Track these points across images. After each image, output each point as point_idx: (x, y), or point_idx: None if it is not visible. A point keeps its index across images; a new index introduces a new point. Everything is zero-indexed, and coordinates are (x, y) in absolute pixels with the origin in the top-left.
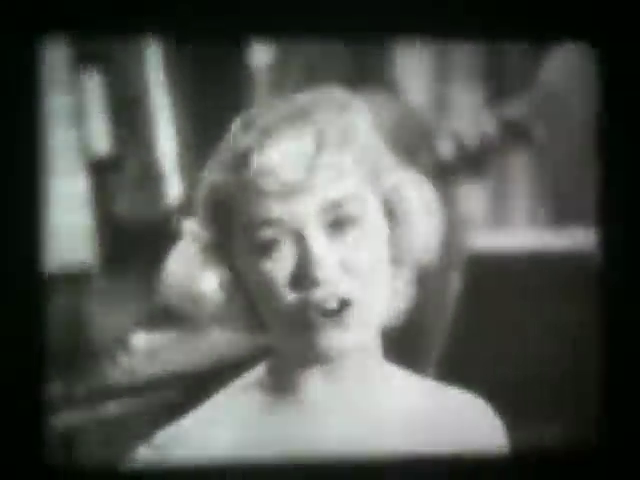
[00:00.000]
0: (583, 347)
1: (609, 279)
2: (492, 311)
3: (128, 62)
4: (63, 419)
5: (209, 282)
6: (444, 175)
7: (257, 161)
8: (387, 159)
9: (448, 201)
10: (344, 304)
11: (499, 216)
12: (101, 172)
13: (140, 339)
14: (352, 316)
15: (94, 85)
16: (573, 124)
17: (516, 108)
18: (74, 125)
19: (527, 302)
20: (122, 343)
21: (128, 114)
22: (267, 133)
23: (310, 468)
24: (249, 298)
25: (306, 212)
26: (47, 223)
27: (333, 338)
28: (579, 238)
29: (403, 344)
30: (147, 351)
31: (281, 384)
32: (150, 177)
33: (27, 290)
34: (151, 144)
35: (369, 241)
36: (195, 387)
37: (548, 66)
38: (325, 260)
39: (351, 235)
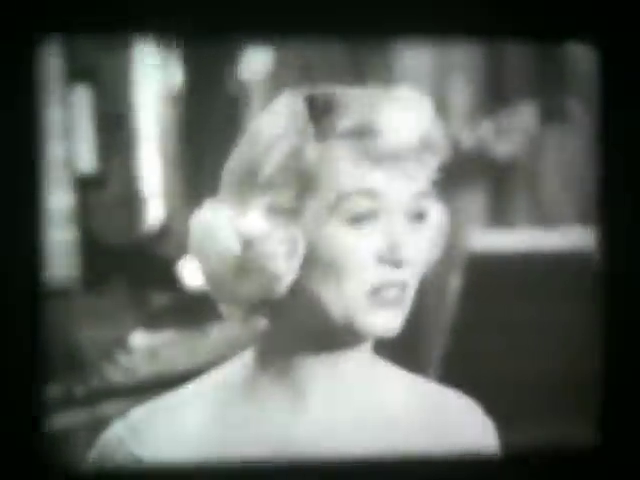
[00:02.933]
0: (583, 347)
1: (609, 279)
2: (492, 311)
3: (116, 79)
4: (63, 419)
5: (278, 242)
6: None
7: (381, 124)
8: None
9: (448, 201)
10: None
11: (499, 216)
12: (85, 189)
13: (140, 339)
14: (407, 302)
15: (82, 102)
16: None
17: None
18: (60, 141)
19: (527, 302)
20: (122, 343)
21: (114, 132)
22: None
23: (292, 464)
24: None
25: (405, 193)
26: (45, 234)
27: (391, 319)
28: (579, 238)
29: (403, 344)
30: (147, 351)
31: (274, 369)
32: (132, 197)
33: (26, 294)
34: (135, 163)
35: (428, 238)
36: None
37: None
38: (410, 243)
39: (421, 228)
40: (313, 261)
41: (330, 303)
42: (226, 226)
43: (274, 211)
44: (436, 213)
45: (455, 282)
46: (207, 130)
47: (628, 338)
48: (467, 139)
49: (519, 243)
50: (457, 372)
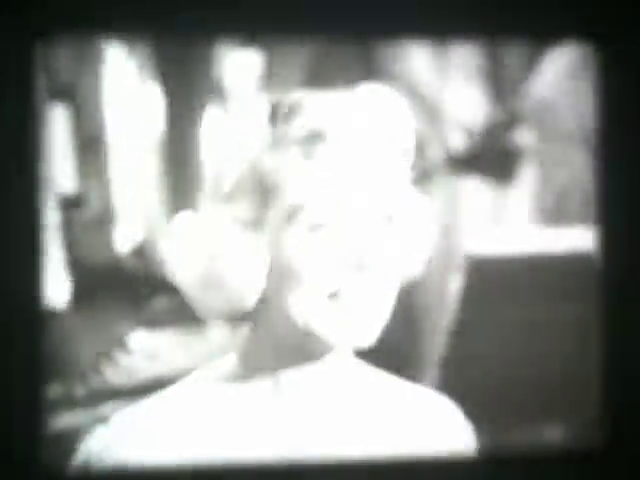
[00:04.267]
0: (583, 347)
1: (609, 279)
2: (492, 311)
3: (93, 98)
4: (63, 419)
5: (250, 256)
6: (455, 169)
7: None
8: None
9: (449, 201)
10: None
11: (499, 216)
12: (66, 209)
13: (140, 339)
14: (380, 309)
15: (60, 121)
16: (564, 128)
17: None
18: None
19: (527, 302)
20: (121, 344)
21: (92, 151)
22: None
23: (275, 466)
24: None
25: (369, 197)
26: (45, 253)
27: (361, 329)
28: (579, 238)
29: (404, 345)
30: (147, 351)
31: (256, 373)
32: (110, 216)
33: (27, 297)
34: (111, 183)
35: (396, 242)
36: None
37: (540, 72)
38: (376, 247)
39: (390, 231)
40: (277, 271)
41: (294, 312)
42: (192, 239)
43: (238, 222)
44: (415, 211)
45: (455, 283)
46: (188, 145)
47: (628, 338)
48: (480, 126)
49: (519, 244)
50: (457, 374)
